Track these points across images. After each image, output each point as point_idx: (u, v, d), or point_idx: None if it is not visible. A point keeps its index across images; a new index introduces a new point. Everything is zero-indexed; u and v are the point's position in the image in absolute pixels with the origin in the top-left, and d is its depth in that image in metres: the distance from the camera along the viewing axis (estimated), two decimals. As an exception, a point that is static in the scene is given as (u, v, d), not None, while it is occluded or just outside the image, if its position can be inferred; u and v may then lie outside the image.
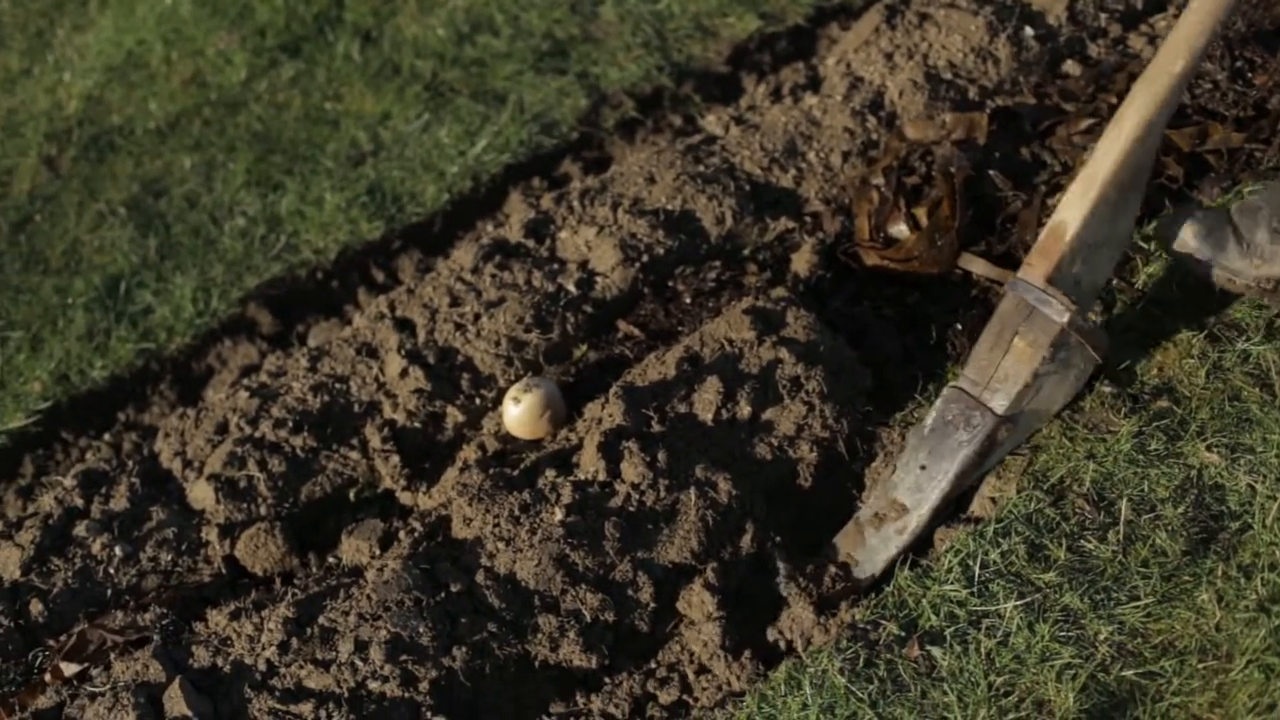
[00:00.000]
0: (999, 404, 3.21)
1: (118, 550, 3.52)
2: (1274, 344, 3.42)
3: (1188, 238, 3.61)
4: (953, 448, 3.21)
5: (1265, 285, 3.56)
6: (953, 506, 3.28)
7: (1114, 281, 3.68)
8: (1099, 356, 3.30)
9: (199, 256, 4.52)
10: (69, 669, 3.23)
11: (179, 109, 5.18)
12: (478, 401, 3.79)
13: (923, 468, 3.23)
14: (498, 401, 3.78)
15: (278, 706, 2.97)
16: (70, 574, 3.48)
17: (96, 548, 3.53)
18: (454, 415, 3.75)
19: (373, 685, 2.98)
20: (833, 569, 3.22)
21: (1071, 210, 3.28)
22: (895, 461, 3.30)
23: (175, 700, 2.99)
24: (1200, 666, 2.81)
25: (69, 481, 3.72)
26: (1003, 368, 3.24)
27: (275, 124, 5.02)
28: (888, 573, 3.19)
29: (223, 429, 3.78)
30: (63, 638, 3.34)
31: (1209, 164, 3.99)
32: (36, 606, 3.41)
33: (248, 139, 4.96)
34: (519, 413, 3.60)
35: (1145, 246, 3.72)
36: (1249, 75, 4.16)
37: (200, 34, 5.51)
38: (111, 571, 3.50)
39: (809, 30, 5.16)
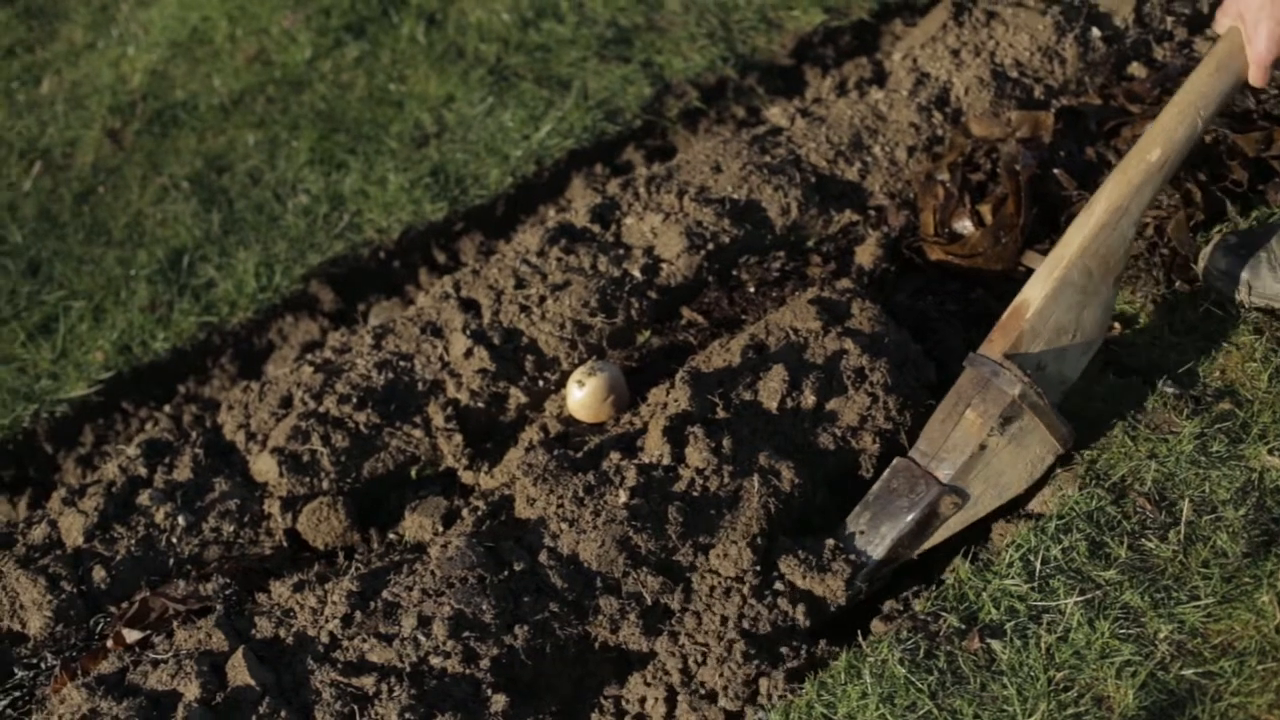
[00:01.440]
0: (944, 473, 3.21)
1: (180, 520, 3.55)
2: (1338, 350, 3.44)
3: (1221, 263, 3.62)
4: (893, 514, 3.21)
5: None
6: (889, 575, 3.27)
7: (1177, 283, 3.69)
8: (1058, 443, 3.26)
9: (262, 232, 4.55)
10: (131, 635, 3.25)
11: (243, 86, 5.22)
12: (541, 383, 3.80)
13: (860, 533, 3.23)
14: (561, 384, 3.79)
15: (340, 679, 2.99)
16: (133, 542, 3.51)
17: (159, 517, 3.56)
18: (517, 396, 3.77)
19: (435, 661, 2.99)
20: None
21: (1034, 289, 3.28)
22: (844, 522, 3.30)
23: (238, 669, 3.01)
24: (1260, 668, 2.81)
25: (133, 450, 3.75)
26: (952, 439, 3.23)
27: (339, 104, 5.04)
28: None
29: (287, 403, 3.81)
30: (125, 605, 3.36)
31: (1274, 169, 3.99)
32: (99, 573, 3.44)
33: (312, 118, 4.99)
34: (582, 396, 3.61)
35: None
36: (1318, 80, 4.17)
37: (265, 12, 5.54)
38: (174, 541, 3.52)
39: (873, 25, 5.17)
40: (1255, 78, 3.30)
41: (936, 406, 3.33)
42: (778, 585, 3.15)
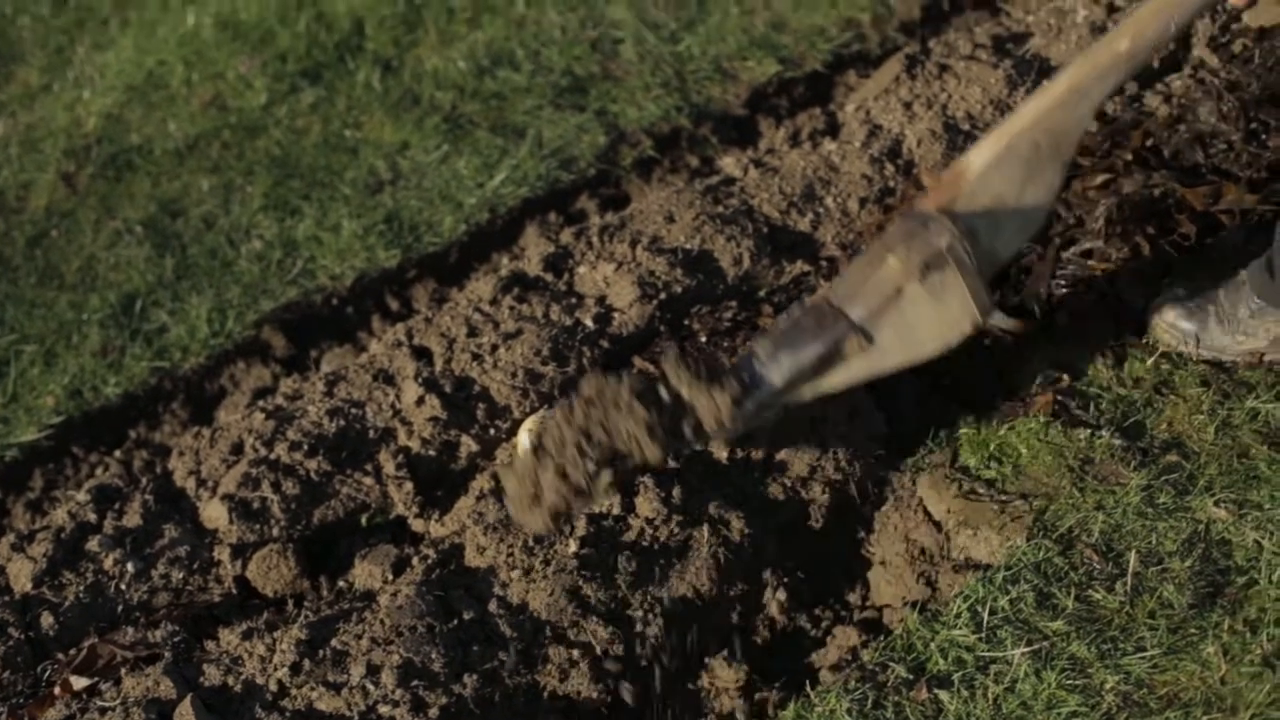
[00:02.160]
0: (856, 314, 3.15)
1: (129, 566, 3.54)
2: (1283, 403, 3.46)
3: (1170, 316, 3.65)
4: (796, 344, 3.15)
5: (1250, 359, 3.59)
6: (777, 417, 3.27)
7: (1125, 336, 3.71)
8: (977, 310, 3.20)
9: (215, 278, 4.55)
10: (79, 683, 3.24)
11: (198, 131, 5.22)
12: (492, 432, 3.80)
13: (760, 359, 3.18)
14: (512, 432, 3.79)
15: (288, 727, 2.99)
16: (82, 588, 3.49)
17: (108, 563, 3.54)
18: (468, 444, 3.76)
19: (383, 709, 2.99)
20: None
21: (978, 154, 3.22)
22: (741, 353, 3.26)
23: (185, 717, 3.00)
24: (1205, 719, 2.83)
25: (82, 496, 3.74)
26: (870, 281, 3.15)
27: (294, 149, 5.05)
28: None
29: (238, 450, 3.80)
30: (73, 651, 3.34)
31: (1222, 223, 4.02)
32: (47, 619, 3.42)
33: (266, 163, 5.00)
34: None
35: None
36: (1263, 137, 4.20)
37: (221, 57, 5.55)
38: (123, 587, 3.51)
39: (827, 76, 5.20)
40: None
41: (878, 459, 3.33)
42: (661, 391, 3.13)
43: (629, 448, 3.04)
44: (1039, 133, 3.21)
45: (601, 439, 3.02)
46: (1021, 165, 3.21)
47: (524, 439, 3.62)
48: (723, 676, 3.15)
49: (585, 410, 3.05)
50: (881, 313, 3.14)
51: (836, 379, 3.20)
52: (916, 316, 3.16)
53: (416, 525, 3.65)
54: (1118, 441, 3.41)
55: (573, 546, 3.24)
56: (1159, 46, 3.30)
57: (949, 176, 3.23)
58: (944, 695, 2.94)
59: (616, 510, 3.33)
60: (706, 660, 3.20)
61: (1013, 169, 3.20)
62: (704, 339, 3.94)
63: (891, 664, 3.03)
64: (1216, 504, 3.23)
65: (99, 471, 4.02)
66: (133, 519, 3.66)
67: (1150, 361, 3.64)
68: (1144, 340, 3.72)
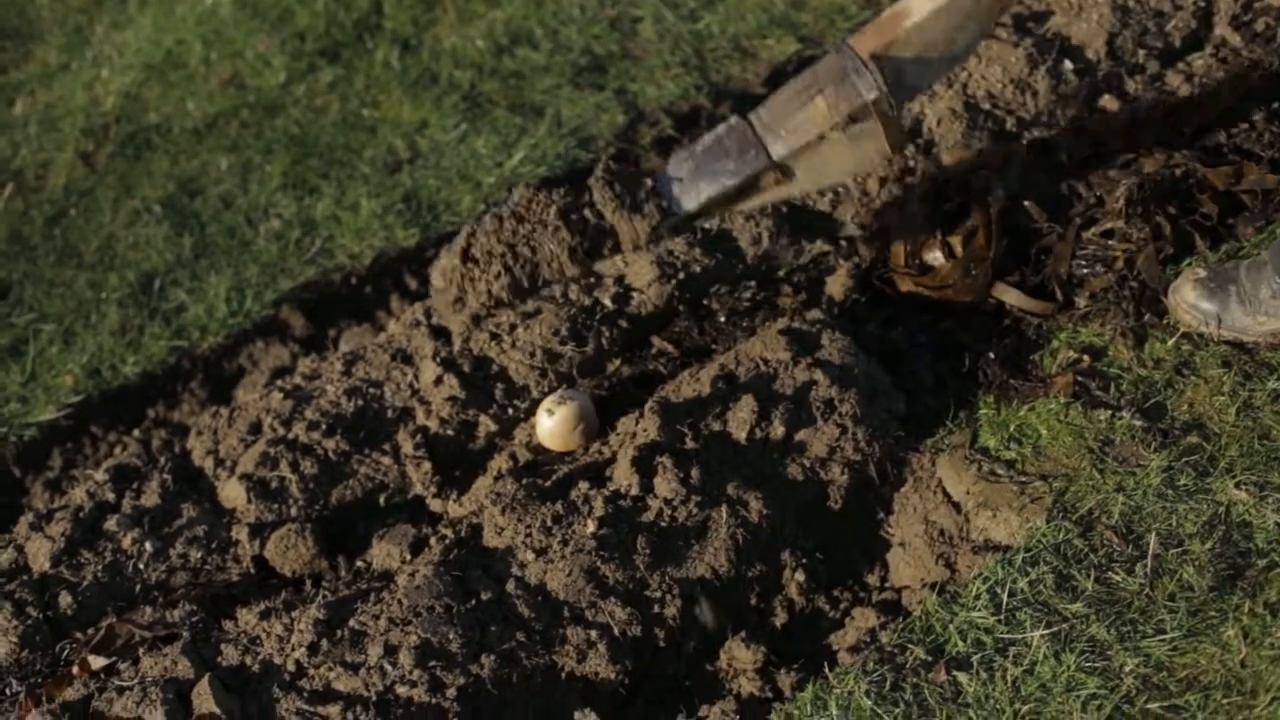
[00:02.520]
0: (777, 150, 3.18)
1: (148, 546, 3.54)
2: (1305, 384, 3.45)
3: (1190, 296, 3.63)
4: (715, 174, 3.18)
5: (1273, 340, 3.57)
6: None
7: (1146, 316, 3.70)
8: (891, 149, 3.25)
9: (233, 257, 4.54)
10: (97, 662, 3.24)
11: (216, 109, 5.22)
12: (510, 411, 3.80)
13: (679, 181, 3.20)
14: (531, 412, 3.79)
15: (305, 707, 2.99)
16: (100, 568, 3.50)
17: (127, 543, 3.55)
18: (486, 424, 3.76)
19: (400, 690, 2.99)
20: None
21: (920, 1, 3.26)
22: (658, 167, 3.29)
23: (203, 697, 3.00)
24: (1225, 702, 2.82)
25: (100, 475, 3.74)
26: (795, 119, 3.19)
27: (313, 128, 5.05)
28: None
29: (256, 429, 3.80)
30: (91, 631, 3.35)
31: (1244, 203, 4.01)
32: (65, 599, 3.43)
33: (285, 142, 4.99)
34: (552, 425, 3.61)
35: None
36: (1287, 117, 4.19)
37: (240, 36, 5.55)
38: (141, 567, 3.52)
39: (847, 55, 5.18)
40: None
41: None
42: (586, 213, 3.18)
43: (549, 266, 3.09)
44: None
45: (525, 255, 3.07)
46: (960, 15, 3.23)
47: (543, 418, 3.62)
48: (741, 658, 3.15)
49: (514, 226, 3.10)
50: (801, 152, 3.21)
51: (748, 205, 3.31)
52: (833, 155, 3.25)
53: (435, 505, 3.66)
54: (1138, 423, 3.40)
55: (591, 527, 3.24)
56: None
57: (887, 19, 3.26)
58: (963, 677, 2.93)
59: (635, 490, 3.32)
60: (726, 641, 3.20)
61: (951, 19, 3.24)
62: (723, 319, 3.93)
63: (910, 645, 3.02)
64: (1237, 486, 3.21)
65: (117, 451, 4.02)
66: (151, 499, 3.66)
67: (1171, 343, 3.62)
68: (1164, 321, 3.70)
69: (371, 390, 3.85)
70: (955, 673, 2.95)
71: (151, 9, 5.83)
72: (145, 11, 5.83)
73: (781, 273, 4.12)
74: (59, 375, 4.23)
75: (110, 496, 3.68)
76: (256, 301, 4.38)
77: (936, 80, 3.32)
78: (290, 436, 3.74)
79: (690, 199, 3.16)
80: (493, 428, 3.76)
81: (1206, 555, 3.07)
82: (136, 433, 4.10)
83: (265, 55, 5.42)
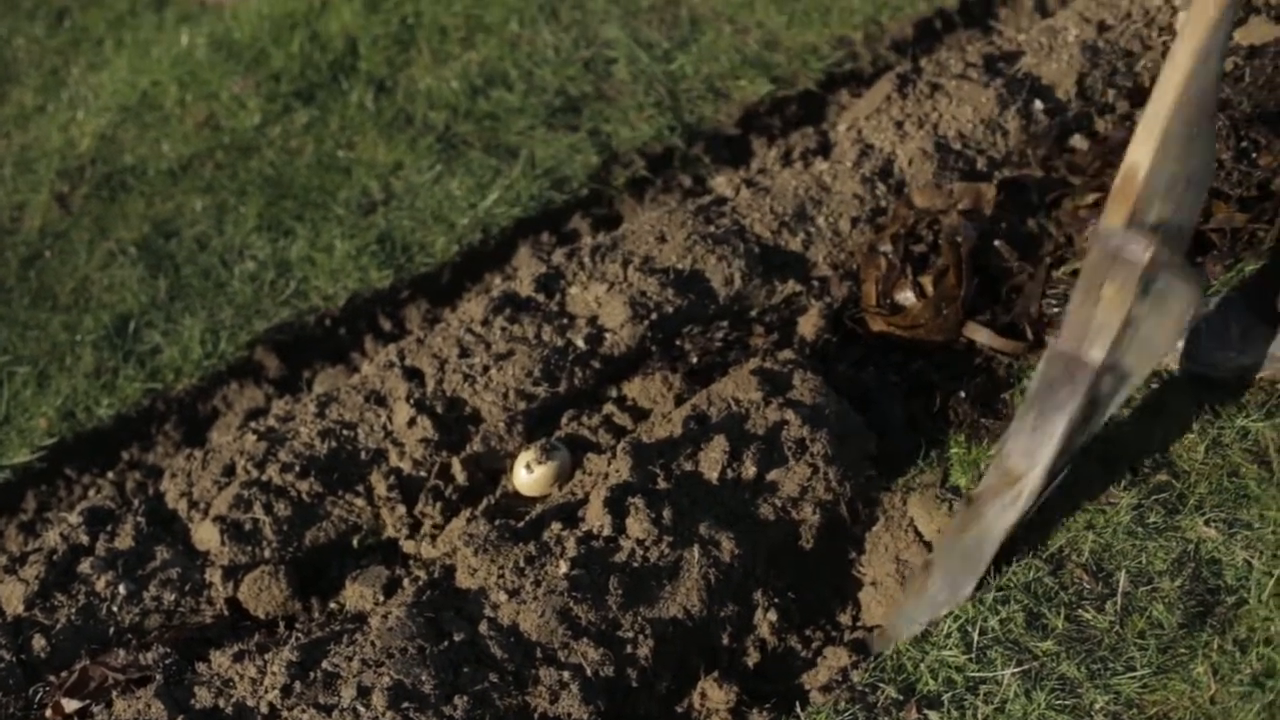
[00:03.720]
0: (1097, 355, 3.16)
1: (121, 588, 3.54)
2: (1272, 421, 3.46)
3: None
4: (1058, 405, 3.17)
5: (1241, 375, 3.60)
6: (1064, 467, 3.24)
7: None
8: (1196, 291, 3.19)
9: (208, 299, 4.55)
10: (70, 705, 3.24)
11: (192, 151, 5.23)
12: (484, 453, 3.82)
13: (1033, 430, 3.19)
14: (504, 452, 3.81)
15: (279, 749, 3.00)
16: (74, 610, 3.50)
17: (100, 585, 3.55)
18: (460, 466, 3.77)
19: (374, 731, 3.00)
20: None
21: (1139, 151, 3.21)
22: (1004, 434, 3.27)
23: (177, 740, 3.01)
24: (1195, 739, 2.84)
25: (74, 518, 3.74)
26: (1096, 319, 3.17)
27: (287, 170, 5.06)
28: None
29: (229, 471, 3.81)
30: (64, 674, 3.35)
31: (1212, 242, 4.04)
32: (39, 642, 3.43)
33: (259, 183, 5.01)
34: (530, 480, 3.63)
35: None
36: (1254, 156, 4.21)
37: (215, 78, 5.57)
38: (115, 609, 3.51)
39: (819, 96, 5.21)
40: None
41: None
42: None
43: None
44: (1184, 108, 3.21)
45: None
46: (1180, 143, 3.21)
47: (522, 471, 3.64)
48: (713, 697, 3.16)
49: None
50: (1119, 342, 3.16)
51: (1102, 419, 3.23)
52: (1150, 330, 3.18)
53: (408, 546, 3.66)
54: (1108, 460, 3.42)
55: (564, 567, 3.25)
56: None
57: (1121, 184, 3.24)
58: (934, 716, 2.95)
59: (608, 531, 3.33)
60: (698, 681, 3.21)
61: (1174, 150, 3.21)
62: (695, 359, 3.95)
63: (881, 685, 3.04)
64: (1206, 523, 3.23)
65: (91, 493, 4.02)
66: (125, 541, 3.66)
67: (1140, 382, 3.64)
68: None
69: (345, 432, 3.86)
70: (926, 711, 2.96)
71: (127, 51, 5.85)
72: (121, 53, 5.85)
73: (753, 313, 4.14)
74: (33, 417, 4.23)
75: (84, 539, 3.68)
76: (231, 343, 4.39)
77: (1199, 205, 3.32)
78: (264, 478, 3.74)
79: (1046, 445, 3.16)
80: (466, 469, 3.77)
81: (1176, 592, 3.09)
82: (111, 475, 4.10)
83: (240, 97, 5.44)
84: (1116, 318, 3.14)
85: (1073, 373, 3.16)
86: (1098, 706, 2.90)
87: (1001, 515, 3.19)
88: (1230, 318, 3.60)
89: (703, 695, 3.18)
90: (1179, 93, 3.18)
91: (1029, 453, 3.17)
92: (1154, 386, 3.61)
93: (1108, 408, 3.20)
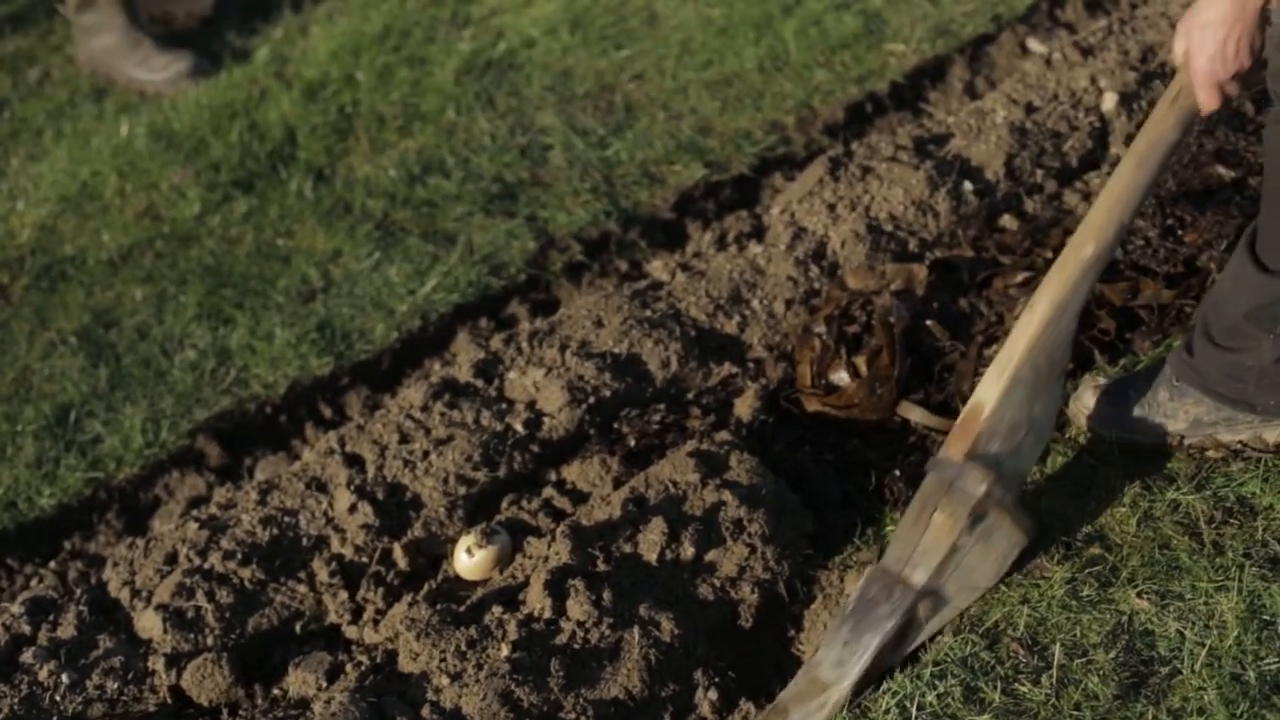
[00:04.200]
0: (919, 578, 3.26)
1: (64, 677, 3.54)
2: (1202, 494, 3.52)
3: (1090, 402, 3.74)
4: (874, 622, 3.25)
5: (1171, 442, 3.67)
6: (873, 684, 3.29)
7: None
8: (1024, 535, 3.33)
9: (149, 388, 4.56)
10: (14, 796, 3.25)
11: (131, 241, 5.24)
12: (425, 538, 3.84)
13: (845, 644, 3.26)
14: (444, 536, 3.83)
15: (223, 837, 3.01)
16: (16, 700, 3.49)
17: (43, 675, 3.54)
18: (401, 552, 3.79)
19: (318, 816, 3.01)
20: None
21: (987, 390, 3.34)
22: (820, 642, 3.33)
23: (121, 829, 3.02)
24: (1130, 810, 2.88)
25: (16, 608, 3.74)
26: (923, 543, 3.27)
27: (227, 258, 5.08)
28: None
29: (171, 559, 3.81)
30: (7, 765, 3.36)
31: (1140, 318, 4.11)
32: (-18, 733, 3.43)
33: (199, 272, 5.03)
34: (471, 564, 3.65)
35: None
36: (1179, 233, 4.29)
37: (154, 167, 5.59)
38: (58, 699, 3.51)
39: (753, 179, 5.27)
40: (1203, 101, 3.33)
41: (811, 555, 3.38)
42: None
43: None
44: (1036, 355, 3.34)
45: None
46: (1028, 389, 3.34)
47: (462, 556, 3.66)
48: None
49: None
50: (942, 570, 3.26)
51: (914, 642, 3.30)
52: (974, 562, 3.30)
53: (350, 632, 3.67)
54: (1041, 535, 3.48)
55: (505, 650, 3.27)
56: (1120, 239, 3.43)
57: (965, 419, 3.35)
58: (874, 791, 2.98)
59: (548, 613, 3.36)
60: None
61: (1020, 394, 3.34)
62: (632, 442, 3.98)
63: (821, 760, 3.07)
64: (1139, 595, 3.28)
65: (33, 583, 4.02)
66: (67, 630, 3.66)
67: (1072, 455, 3.70)
68: (1066, 436, 3.79)
69: (286, 519, 3.88)
70: (866, 787, 2.99)
71: (66, 141, 5.87)
72: (60, 144, 5.87)
73: (690, 395, 4.18)
74: (-27, 509, 4.23)
75: (26, 629, 3.68)
76: (172, 432, 4.40)
77: (1038, 454, 3.44)
78: (206, 566, 3.75)
79: (857, 660, 3.22)
80: (407, 555, 3.79)
81: (1110, 664, 3.13)
82: (53, 564, 4.10)
83: (180, 186, 5.46)
84: (943, 546, 3.25)
85: (892, 592, 3.25)
86: (1034, 779, 2.94)
87: None
88: (1160, 384, 3.67)
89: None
90: (1032, 340, 3.34)
91: (839, 663, 3.25)
92: (1086, 462, 3.67)
93: (921, 633, 3.30)
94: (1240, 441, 3.66)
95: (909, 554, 3.29)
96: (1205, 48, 3.24)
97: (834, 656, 3.25)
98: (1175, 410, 3.67)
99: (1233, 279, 3.54)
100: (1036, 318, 3.36)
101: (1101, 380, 3.79)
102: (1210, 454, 3.66)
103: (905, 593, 3.25)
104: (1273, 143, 3.38)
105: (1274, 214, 3.41)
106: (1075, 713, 3.06)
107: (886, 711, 3.13)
